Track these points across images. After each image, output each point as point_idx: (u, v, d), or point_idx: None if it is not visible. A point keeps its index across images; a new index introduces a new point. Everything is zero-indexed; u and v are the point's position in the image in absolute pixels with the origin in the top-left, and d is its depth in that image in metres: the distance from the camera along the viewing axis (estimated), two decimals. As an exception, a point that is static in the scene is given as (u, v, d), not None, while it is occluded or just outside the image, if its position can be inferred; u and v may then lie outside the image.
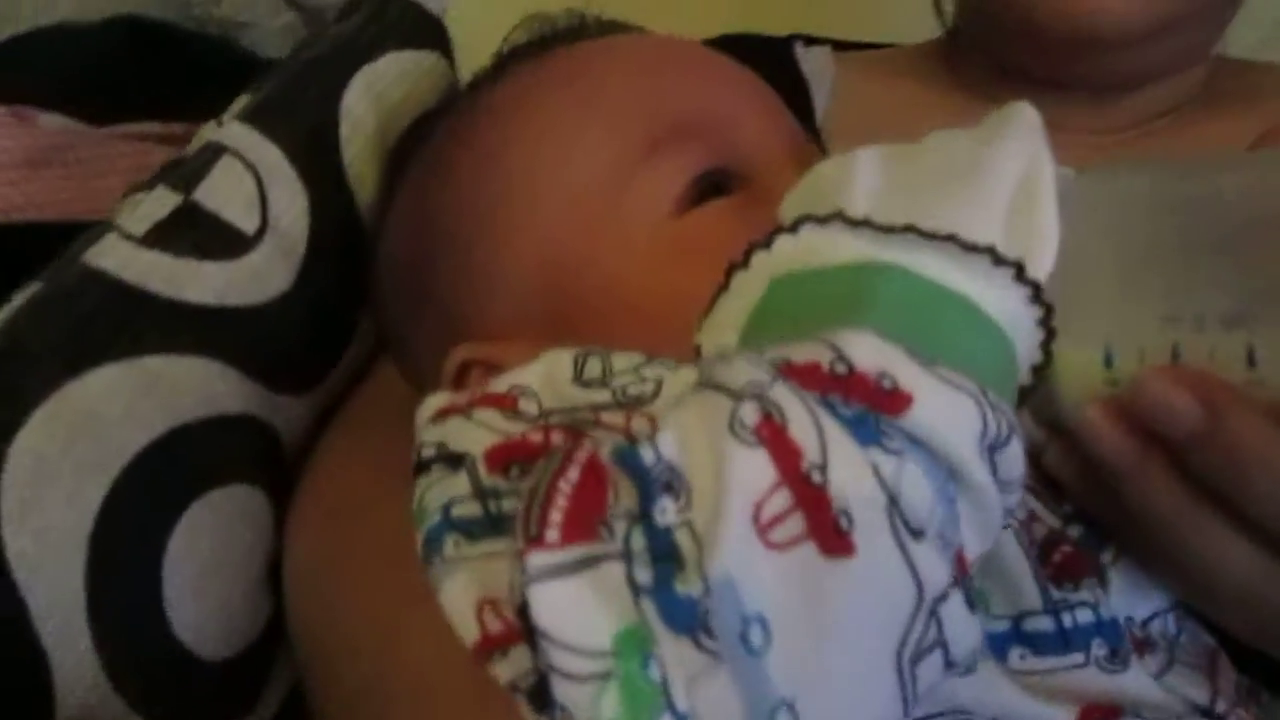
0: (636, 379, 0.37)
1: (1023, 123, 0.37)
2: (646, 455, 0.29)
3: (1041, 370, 0.35)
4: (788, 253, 0.36)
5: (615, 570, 0.28)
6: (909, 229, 0.34)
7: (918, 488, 0.29)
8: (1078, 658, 0.37)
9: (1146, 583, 0.40)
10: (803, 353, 0.31)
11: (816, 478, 0.28)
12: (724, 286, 0.37)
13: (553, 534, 0.29)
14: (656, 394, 0.36)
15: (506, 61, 0.51)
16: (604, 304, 0.43)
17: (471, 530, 0.34)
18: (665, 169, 0.44)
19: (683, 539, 0.28)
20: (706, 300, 0.40)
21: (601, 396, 0.36)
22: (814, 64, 0.69)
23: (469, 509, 0.34)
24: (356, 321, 0.59)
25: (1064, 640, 0.37)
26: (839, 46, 0.72)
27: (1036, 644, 0.37)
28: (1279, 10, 0.71)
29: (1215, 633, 0.41)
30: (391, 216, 0.52)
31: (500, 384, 0.38)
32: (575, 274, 0.44)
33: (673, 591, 0.28)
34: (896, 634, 0.29)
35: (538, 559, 0.28)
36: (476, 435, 0.37)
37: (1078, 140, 0.59)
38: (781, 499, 0.28)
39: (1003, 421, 0.31)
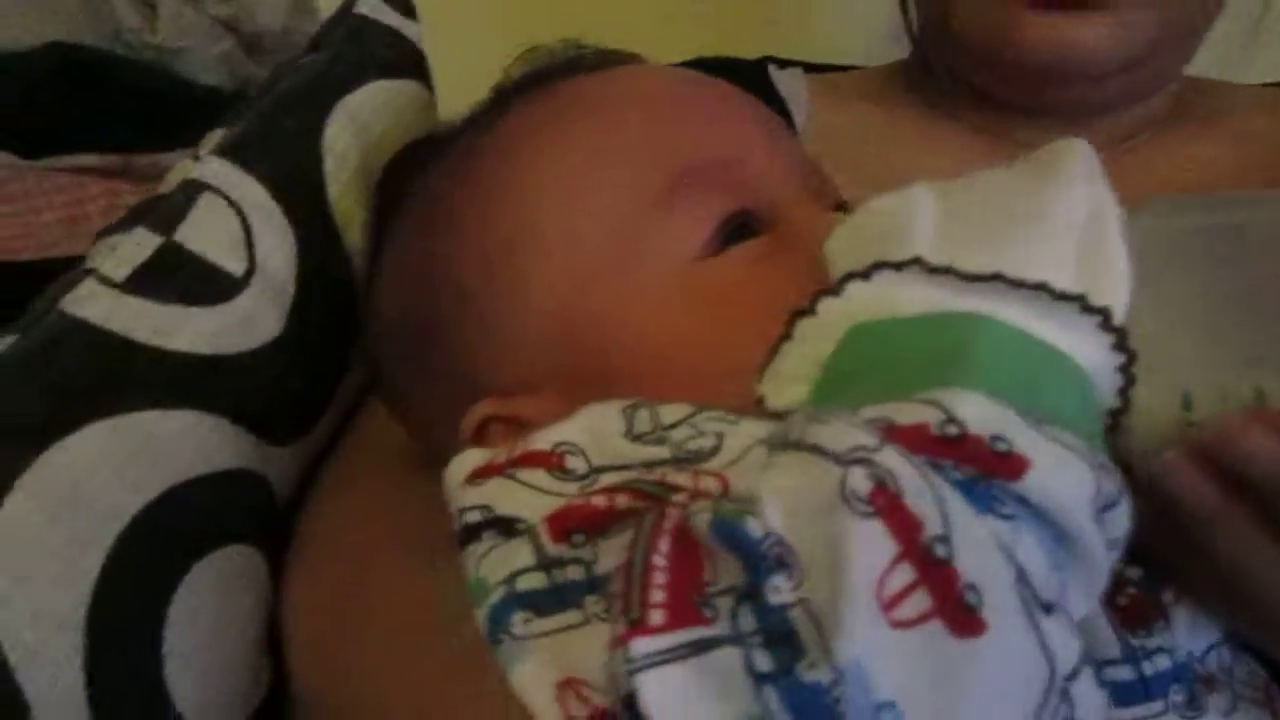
0: (694, 433, 0.35)
1: (1081, 161, 0.36)
2: (753, 528, 0.28)
3: (1117, 416, 0.34)
4: (862, 300, 0.35)
5: (731, 656, 0.27)
6: (996, 277, 0.33)
7: (1034, 556, 0.28)
8: (1158, 706, 0.36)
9: (1203, 617, 0.39)
10: (907, 413, 0.29)
11: (940, 551, 0.27)
12: (786, 334, 0.36)
13: (657, 616, 0.27)
14: (717, 449, 0.34)
15: (507, 96, 0.48)
16: (631, 354, 0.41)
17: (539, 604, 0.32)
18: (689, 211, 0.42)
19: (798, 619, 0.27)
20: (742, 347, 0.39)
21: (658, 452, 0.35)
22: (789, 86, 0.68)
23: (534, 581, 0.33)
24: (345, 366, 0.56)
25: (1145, 689, 0.36)
26: (808, 69, 0.71)
27: (1119, 694, 0.36)
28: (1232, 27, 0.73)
29: (1265, 662, 0.41)
30: (388, 262, 0.48)
31: (542, 441, 0.36)
32: (598, 324, 0.41)
33: (797, 679, 0.26)
34: (1029, 717, 0.27)
35: (642, 645, 0.27)
36: (526, 498, 0.35)
37: None
38: (904, 574, 0.27)
39: (1112, 482, 0.30)
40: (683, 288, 0.41)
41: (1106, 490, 0.29)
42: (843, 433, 0.29)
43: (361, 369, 0.56)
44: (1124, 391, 0.34)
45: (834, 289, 0.35)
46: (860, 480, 0.27)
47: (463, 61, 0.70)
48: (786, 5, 1.02)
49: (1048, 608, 0.27)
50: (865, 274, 0.35)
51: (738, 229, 0.42)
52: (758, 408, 0.36)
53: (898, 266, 0.34)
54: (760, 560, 0.27)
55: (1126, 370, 0.33)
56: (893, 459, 0.28)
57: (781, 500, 0.28)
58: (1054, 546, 0.29)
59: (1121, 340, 0.33)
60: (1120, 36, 0.55)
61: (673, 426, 0.36)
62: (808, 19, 1.05)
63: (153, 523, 0.45)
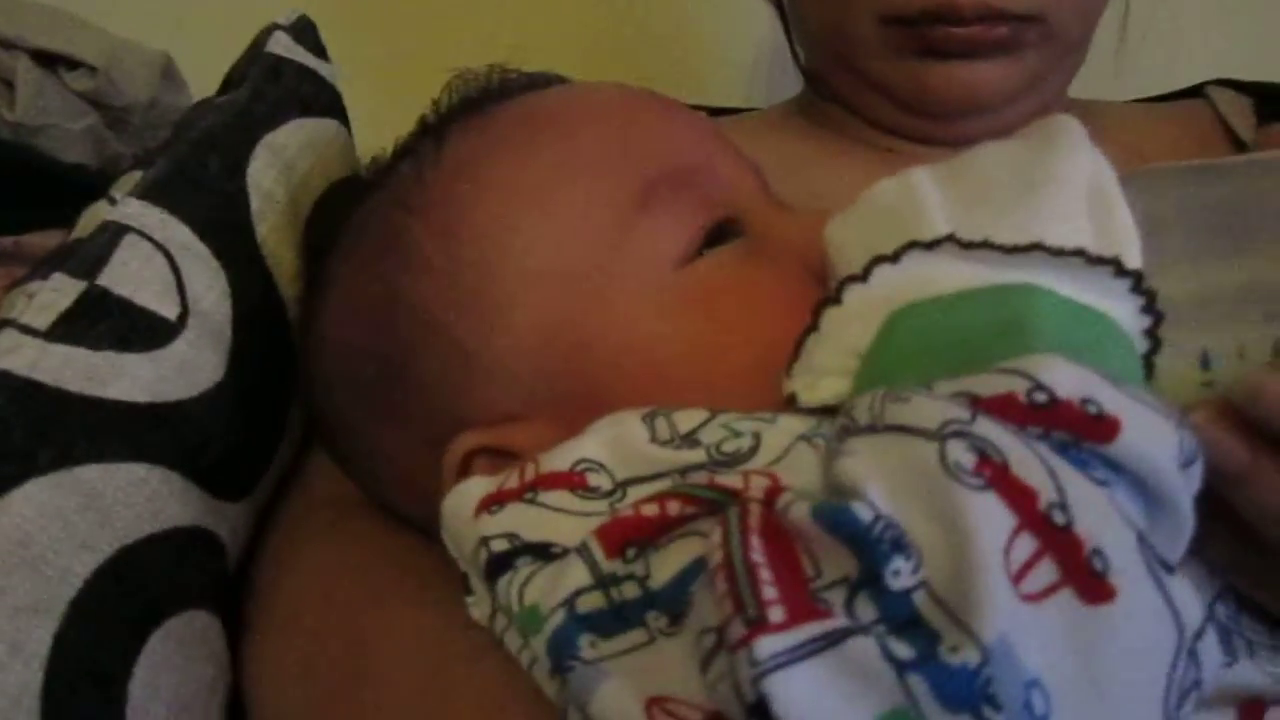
0: (729, 434, 0.34)
1: (1076, 131, 0.36)
2: (862, 512, 0.26)
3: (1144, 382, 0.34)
4: (894, 284, 0.34)
5: (866, 647, 0.25)
6: (1036, 247, 0.32)
7: (1131, 517, 0.28)
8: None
9: (1201, 573, 0.39)
10: (990, 385, 0.29)
11: (1059, 518, 0.26)
12: (813, 327, 0.35)
13: (777, 613, 0.26)
14: (756, 449, 0.33)
15: (442, 124, 0.46)
16: (624, 369, 0.39)
17: (603, 625, 0.31)
18: (666, 218, 0.41)
19: (923, 603, 0.26)
20: (738, 349, 0.38)
21: (693, 456, 0.33)
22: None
23: (595, 601, 0.31)
24: (288, 413, 0.52)
25: None
26: (712, 113, 0.72)
27: None
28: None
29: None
30: (335, 302, 0.45)
31: (558, 461, 0.35)
32: (587, 342, 0.40)
33: (943, 664, 0.25)
34: (1163, 681, 0.27)
35: (769, 644, 0.25)
36: (555, 522, 0.33)
37: None
38: (1027, 545, 0.26)
39: (1190, 438, 0.29)
40: (670, 295, 0.40)
41: (1187, 446, 0.29)
42: (929, 407, 0.28)
43: (301, 415, 0.52)
44: (1149, 356, 0.34)
45: (860, 275, 0.34)
46: (962, 453, 0.27)
47: (371, 102, 0.68)
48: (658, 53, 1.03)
49: (1169, 567, 0.27)
50: (893, 257, 0.34)
51: (714, 234, 0.42)
52: (790, 405, 0.35)
53: (929, 246, 0.33)
54: (876, 545, 0.26)
55: (1153, 333, 0.33)
56: (990, 428, 0.27)
57: (882, 482, 0.27)
58: (1144, 508, 0.28)
59: (1151, 302, 0.33)
60: (1014, 71, 0.57)
61: (693, 432, 0.35)
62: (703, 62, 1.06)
63: (107, 586, 0.40)
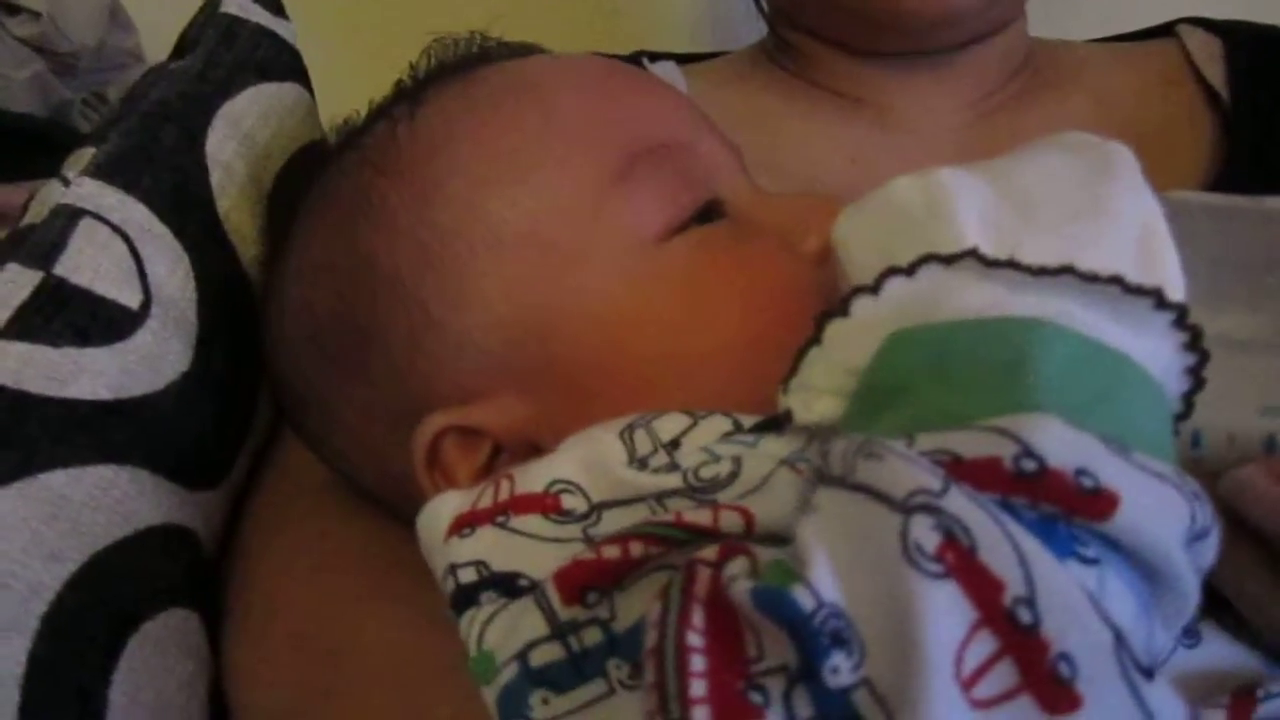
0: (708, 458, 0.32)
1: (1136, 166, 0.33)
2: (803, 600, 0.24)
3: (1178, 421, 0.31)
4: (903, 300, 0.30)
5: None
6: (1067, 270, 0.29)
7: (1124, 605, 0.26)
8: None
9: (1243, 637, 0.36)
10: (975, 445, 0.26)
11: (1024, 616, 0.23)
12: (815, 339, 0.32)
13: (701, 715, 0.24)
14: (735, 474, 0.31)
15: (420, 87, 0.44)
16: (596, 343, 0.38)
17: (558, 680, 0.29)
18: (647, 192, 0.39)
19: (863, 703, 0.24)
20: (715, 329, 0.37)
21: (669, 481, 0.32)
22: (667, 78, 0.67)
23: (550, 653, 0.30)
24: (257, 395, 0.50)
25: None
26: (678, 60, 0.70)
27: None
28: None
29: None
30: (303, 266, 0.44)
31: (533, 481, 0.33)
32: (553, 314, 0.38)
33: None
34: None
35: None
36: (525, 550, 0.32)
37: (928, 122, 0.60)
38: (984, 644, 0.23)
39: (1204, 510, 0.27)
40: (644, 270, 0.38)
41: (1201, 520, 0.27)
42: (900, 472, 0.25)
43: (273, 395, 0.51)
44: (1189, 396, 0.31)
45: (871, 287, 0.31)
46: (926, 532, 0.24)
47: (334, 63, 0.66)
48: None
49: (1148, 673, 0.24)
50: (909, 270, 0.31)
51: (698, 215, 0.40)
52: (787, 422, 0.32)
53: (947, 260, 0.30)
54: (815, 638, 0.24)
55: (1196, 372, 0.31)
56: (961, 504, 0.24)
57: (832, 557, 0.25)
58: (1141, 585, 0.26)
59: (1195, 339, 0.30)
60: None
61: (676, 444, 0.33)
62: (651, 8, 1.04)
63: (79, 596, 0.39)
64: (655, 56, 0.69)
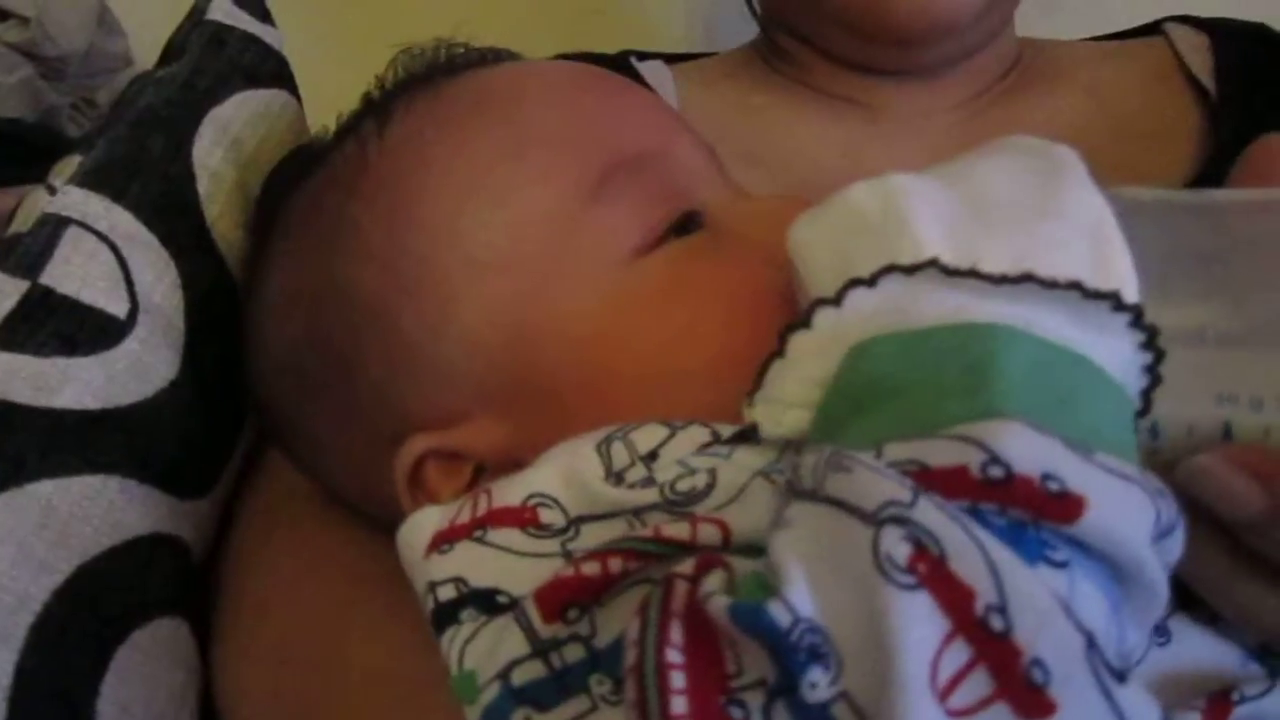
0: (684, 471, 0.32)
1: (1082, 166, 0.33)
2: (779, 615, 0.24)
3: (1137, 419, 0.31)
4: (865, 311, 0.31)
5: None
6: (1028, 278, 0.29)
7: (1095, 607, 0.26)
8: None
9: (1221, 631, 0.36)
10: (941, 453, 0.26)
11: (996, 623, 0.24)
12: (779, 352, 0.32)
13: None
14: (711, 486, 0.31)
15: (387, 101, 0.44)
16: (569, 363, 0.38)
17: (540, 698, 0.29)
18: (623, 205, 0.39)
19: (842, 715, 0.24)
20: (695, 344, 0.37)
21: (646, 496, 0.32)
22: (655, 77, 0.67)
23: (531, 671, 0.30)
24: (246, 401, 0.50)
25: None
26: (667, 60, 0.70)
27: None
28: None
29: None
30: (280, 288, 0.43)
31: (510, 494, 0.33)
32: (531, 335, 0.38)
33: None
34: None
35: None
36: (503, 565, 0.32)
37: (914, 123, 0.60)
38: (959, 653, 0.24)
39: (1169, 507, 0.27)
40: (623, 288, 0.38)
41: (1166, 517, 0.27)
42: (870, 484, 0.25)
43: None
44: (1147, 393, 0.32)
45: (833, 299, 0.31)
46: (896, 544, 0.24)
47: (321, 69, 0.65)
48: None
49: (1121, 675, 0.25)
50: (871, 281, 0.31)
51: (675, 228, 0.40)
52: (753, 433, 0.33)
53: (909, 270, 0.30)
54: (792, 653, 0.24)
55: (1153, 370, 0.31)
56: (931, 515, 0.25)
57: (807, 572, 0.25)
58: (1111, 586, 0.26)
59: (1151, 338, 0.30)
60: None
61: (654, 456, 0.33)
62: (637, 6, 1.04)
63: (67, 607, 0.39)
64: (644, 56, 0.69)
